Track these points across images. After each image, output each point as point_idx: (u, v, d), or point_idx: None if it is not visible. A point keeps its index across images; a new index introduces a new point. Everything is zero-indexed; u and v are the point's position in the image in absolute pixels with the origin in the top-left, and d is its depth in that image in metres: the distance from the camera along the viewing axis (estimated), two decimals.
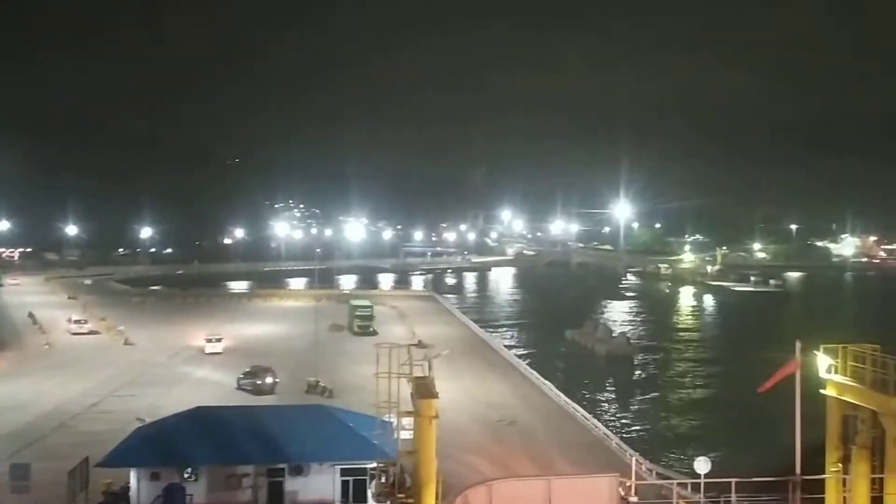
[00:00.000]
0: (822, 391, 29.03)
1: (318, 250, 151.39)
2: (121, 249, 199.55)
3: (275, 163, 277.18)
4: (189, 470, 29.46)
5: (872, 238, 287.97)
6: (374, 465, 30.57)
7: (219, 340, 69.76)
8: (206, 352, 68.20)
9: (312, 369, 56.66)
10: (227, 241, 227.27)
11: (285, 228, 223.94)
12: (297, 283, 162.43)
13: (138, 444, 31.04)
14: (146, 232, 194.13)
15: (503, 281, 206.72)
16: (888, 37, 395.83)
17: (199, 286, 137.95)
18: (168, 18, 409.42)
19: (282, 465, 30.10)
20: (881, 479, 27.10)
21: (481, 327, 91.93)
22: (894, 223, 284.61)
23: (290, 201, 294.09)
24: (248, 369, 55.63)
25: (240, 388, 54.01)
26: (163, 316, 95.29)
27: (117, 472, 30.64)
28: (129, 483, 30.00)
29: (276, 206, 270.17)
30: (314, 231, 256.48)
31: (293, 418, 33.15)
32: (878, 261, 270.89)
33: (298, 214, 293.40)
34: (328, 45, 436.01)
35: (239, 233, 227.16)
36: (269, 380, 53.72)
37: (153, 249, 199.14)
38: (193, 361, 65.42)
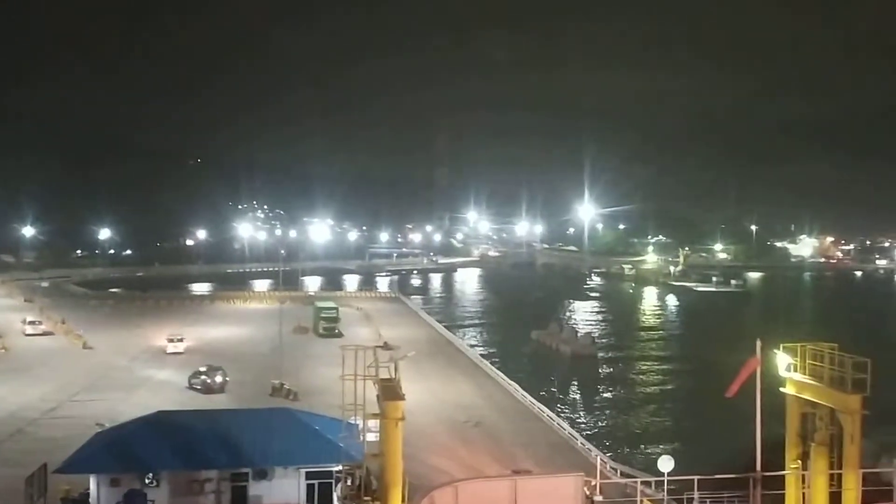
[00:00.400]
0: (781, 389, 29.48)
1: (283, 252, 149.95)
2: (79, 251, 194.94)
3: (238, 163, 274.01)
4: (150, 476, 29.02)
5: (829, 239, 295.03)
6: (340, 468, 30.36)
7: (180, 340, 69.91)
8: (168, 352, 68.22)
9: (277, 372, 56.18)
10: (188, 242, 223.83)
11: (249, 230, 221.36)
12: (261, 285, 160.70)
13: (98, 450, 30.46)
14: (105, 233, 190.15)
15: (469, 282, 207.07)
16: (858, 37, 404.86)
17: (160, 288, 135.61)
18: (131, 21, 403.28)
19: (245, 470, 29.78)
20: (839, 474, 27.60)
21: (447, 328, 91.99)
22: (851, 224, 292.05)
23: (254, 202, 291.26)
24: (200, 368, 55.74)
25: (190, 387, 54.33)
26: (123, 319, 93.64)
27: (76, 478, 30.03)
28: (88, 489, 29.43)
29: (240, 206, 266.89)
30: (278, 232, 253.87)
31: (257, 422, 32.81)
32: (834, 261, 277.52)
33: (262, 215, 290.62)
34: (292, 48, 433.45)
35: (201, 234, 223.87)
36: (218, 378, 54.09)
37: (112, 251, 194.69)
38: (154, 364, 64.50)
